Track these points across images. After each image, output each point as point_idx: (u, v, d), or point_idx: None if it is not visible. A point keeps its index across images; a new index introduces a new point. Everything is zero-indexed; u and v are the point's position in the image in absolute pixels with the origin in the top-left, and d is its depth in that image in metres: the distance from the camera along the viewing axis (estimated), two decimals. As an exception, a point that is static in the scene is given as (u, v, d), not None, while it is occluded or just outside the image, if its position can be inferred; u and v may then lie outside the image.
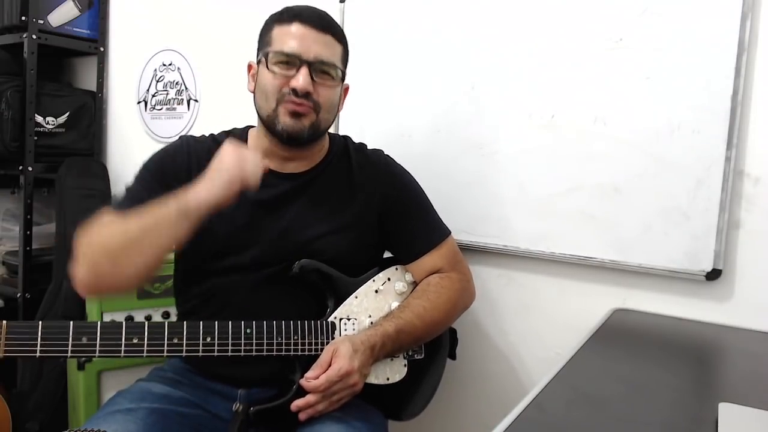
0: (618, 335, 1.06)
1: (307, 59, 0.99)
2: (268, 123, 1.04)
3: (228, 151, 0.93)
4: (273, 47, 1.01)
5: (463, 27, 1.37)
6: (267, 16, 1.08)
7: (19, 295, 2.02)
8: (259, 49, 1.07)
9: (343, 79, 1.07)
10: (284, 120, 1.01)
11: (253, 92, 1.07)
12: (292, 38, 1.00)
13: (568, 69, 1.24)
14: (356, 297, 1.08)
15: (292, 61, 1.00)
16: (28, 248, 2.04)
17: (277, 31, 1.02)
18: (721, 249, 1.10)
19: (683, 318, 1.15)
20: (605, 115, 1.20)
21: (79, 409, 1.59)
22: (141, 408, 0.96)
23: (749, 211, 1.10)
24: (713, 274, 1.11)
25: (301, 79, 0.98)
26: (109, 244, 0.90)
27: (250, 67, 1.09)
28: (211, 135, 1.15)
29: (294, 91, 0.99)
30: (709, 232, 1.10)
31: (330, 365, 0.94)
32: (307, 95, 1.00)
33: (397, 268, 1.14)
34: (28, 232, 2.04)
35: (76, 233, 0.93)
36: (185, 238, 0.91)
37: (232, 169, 0.91)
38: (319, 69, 1.01)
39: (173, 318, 1.45)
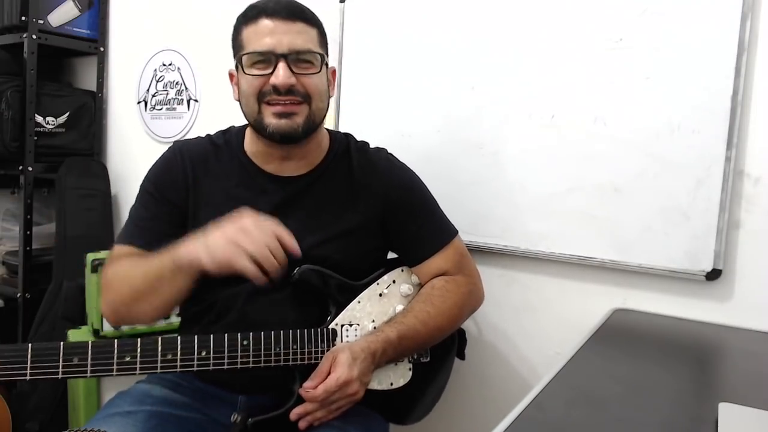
0: (618, 335, 1.06)
1: (281, 52, 0.95)
2: (256, 127, 1.01)
3: (233, 226, 0.87)
4: (245, 49, 0.97)
5: (464, 27, 1.37)
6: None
7: (19, 295, 2.02)
8: (234, 56, 1.03)
9: (324, 63, 1.01)
10: (270, 121, 0.97)
11: (239, 100, 1.04)
12: (262, 35, 0.95)
13: (568, 69, 1.24)
14: (359, 301, 1.05)
15: (267, 59, 0.95)
16: (28, 248, 2.04)
17: (246, 32, 0.98)
18: (721, 249, 1.10)
19: (683, 318, 1.15)
20: (605, 115, 1.20)
21: (79, 409, 1.59)
22: (140, 411, 0.96)
23: (749, 211, 1.10)
24: (713, 274, 1.11)
25: (280, 74, 0.94)
26: (120, 291, 0.95)
27: (231, 76, 1.05)
28: (208, 135, 1.12)
29: (276, 89, 0.95)
30: (709, 232, 1.10)
31: (329, 374, 0.91)
32: (291, 91, 0.96)
33: (402, 270, 1.11)
34: (28, 232, 2.04)
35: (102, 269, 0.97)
36: (188, 288, 0.93)
37: (227, 249, 0.85)
38: (296, 59, 0.96)
39: (173, 320, 1.45)
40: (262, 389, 1.01)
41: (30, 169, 2.01)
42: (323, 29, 1.04)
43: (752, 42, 1.08)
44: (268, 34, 0.95)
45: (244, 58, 0.98)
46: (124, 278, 0.95)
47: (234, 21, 1.03)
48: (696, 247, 1.11)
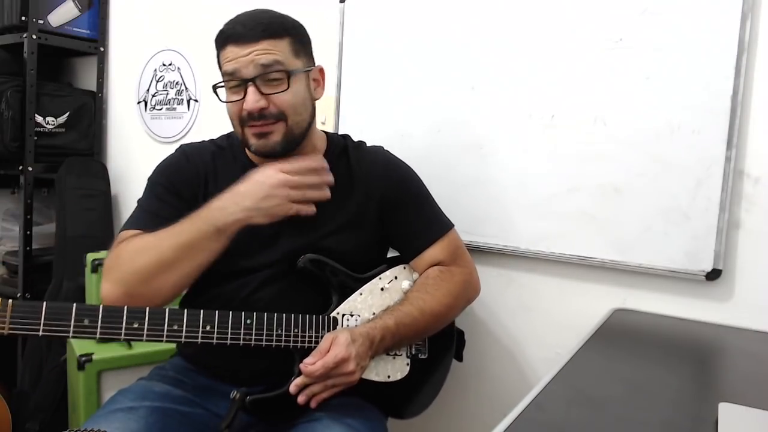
0: (618, 335, 1.06)
1: (247, 77, 0.97)
2: (245, 146, 1.06)
3: (266, 175, 0.95)
4: (222, 76, 1.01)
5: (463, 27, 1.37)
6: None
7: (19, 295, 2.02)
8: None
9: (300, 73, 1.01)
10: (253, 142, 1.01)
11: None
12: (230, 61, 0.98)
13: (568, 69, 1.24)
14: (361, 294, 1.08)
15: (239, 84, 0.98)
16: (28, 248, 2.04)
17: (220, 58, 1.02)
18: (721, 249, 1.10)
19: (683, 318, 1.15)
20: (605, 115, 1.20)
21: (79, 409, 1.59)
22: (142, 407, 0.96)
23: (749, 211, 1.10)
24: (713, 274, 1.11)
25: (248, 100, 0.96)
26: (142, 265, 0.93)
27: None
28: (211, 140, 1.15)
29: (249, 114, 0.98)
30: (709, 232, 1.10)
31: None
32: (263, 114, 0.98)
33: (404, 267, 1.14)
34: (28, 232, 2.04)
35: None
36: (219, 253, 0.95)
37: (277, 206, 0.94)
38: (265, 79, 0.97)
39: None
40: (261, 379, 1.02)
41: (30, 169, 2.02)
42: (299, 33, 1.03)
43: (752, 42, 1.08)
44: (234, 60, 0.98)
45: (221, 86, 1.02)
46: (146, 253, 0.94)
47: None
48: (696, 247, 1.11)
